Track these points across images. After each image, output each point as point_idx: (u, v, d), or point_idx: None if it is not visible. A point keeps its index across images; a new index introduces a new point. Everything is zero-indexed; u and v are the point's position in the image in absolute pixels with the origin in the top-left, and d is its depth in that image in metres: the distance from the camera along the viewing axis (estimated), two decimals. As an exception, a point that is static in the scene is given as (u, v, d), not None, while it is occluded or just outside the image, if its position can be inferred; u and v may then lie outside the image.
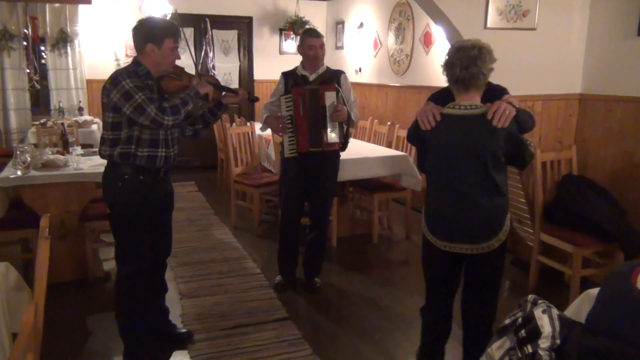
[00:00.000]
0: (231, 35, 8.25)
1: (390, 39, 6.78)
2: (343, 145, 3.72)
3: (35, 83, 7.25)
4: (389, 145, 5.56)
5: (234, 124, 6.35)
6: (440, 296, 2.66)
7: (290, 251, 4.00)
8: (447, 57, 2.39)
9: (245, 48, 8.43)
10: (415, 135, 2.52)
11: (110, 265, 4.39)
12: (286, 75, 3.75)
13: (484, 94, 2.45)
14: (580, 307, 1.94)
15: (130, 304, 2.89)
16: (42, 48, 7.31)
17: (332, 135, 3.60)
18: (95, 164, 4.11)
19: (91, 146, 5.16)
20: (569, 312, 1.94)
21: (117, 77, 2.61)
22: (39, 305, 1.90)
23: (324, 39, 3.73)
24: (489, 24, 3.91)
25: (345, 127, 3.65)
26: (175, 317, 3.40)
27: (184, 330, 3.28)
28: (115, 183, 2.77)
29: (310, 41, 3.62)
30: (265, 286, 4.01)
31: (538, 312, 1.56)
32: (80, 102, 7.29)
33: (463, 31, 3.87)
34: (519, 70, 3.93)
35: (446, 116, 2.38)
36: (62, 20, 7.11)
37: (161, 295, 3.22)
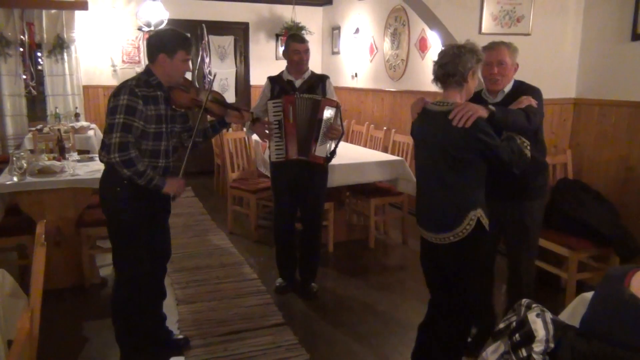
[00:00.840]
0: (227, 41, 8.27)
1: (386, 44, 6.81)
2: (327, 160, 3.71)
3: (32, 89, 7.24)
4: (385, 150, 5.57)
5: (230, 130, 6.35)
6: (433, 288, 2.75)
7: (288, 254, 4.03)
8: None
9: (242, 54, 8.45)
10: (412, 127, 2.70)
11: (106, 271, 4.38)
12: (272, 80, 3.78)
13: (511, 92, 2.74)
14: (576, 310, 1.95)
15: (129, 310, 2.89)
16: (39, 54, 7.30)
17: (320, 149, 3.62)
18: (91, 170, 4.11)
19: (87, 152, 5.17)
20: (563, 316, 1.95)
21: (121, 89, 2.67)
22: (35, 312, 1.90)
23: (309, 44, 3.77)
24: (483, 30, 3.94)
25: (335, 144, 3.67)
26: (171, 323, 3.39)
27: (180, 336, 3.28)
28: (114, 188, 2.78)
29: (294, 46, 3.66)
30: (262, 291, 4.01)
31: (532, 316, 1.57)
32: (76, 108, 7.28)
33: (458, 36, 3.88)
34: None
35: (425, 111, 2.54)
36: (59, 26, 7.11)
37: (159, 301, 3.22)
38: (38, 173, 3.90)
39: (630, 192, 3.88)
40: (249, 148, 5.74)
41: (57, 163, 4.09)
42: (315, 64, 8.48)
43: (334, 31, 8.27)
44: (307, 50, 3.69)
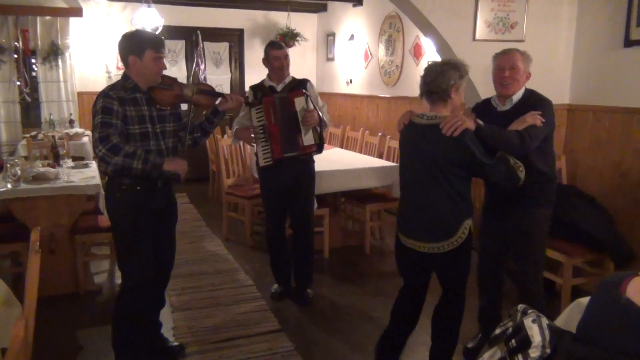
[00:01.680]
0: (222, 47, 8.28)
1: (381, 51, 6.83)
2: (318, 147, 3.76)
3: (26, 96, 7.22)
4: (380, 156, 5.58)
5: (225, 136, 6.36)
6: (408, 289, 2.86)
7: (282, 260, 4.03)
8: None
9: (237, 60, 8.46)
10: (400, 139, 2.75)
11: (102, 278, 4.37)
12: (254, 88, 3.82)
13: (521, 101, 2.81)
14: (571, 316, 1.95)
15: (130, 317, 2.88)
16: (33, 61, 7.30)
17: (308, 138, 3.66)
18: (86, 177, 4.10)
19: (82, 159, 5.14)
20: (559, 321, 1.96)
21: (98, 96, 2.71)
22: (29, 319, 1.88)
23: (287, 50, 3.84)
24: (477, 36, 3.96)
25: (318, 129, 3.71)
26: (166, 330, 3.38)
27: (175, 343, 3.26)
28: (114, 194, 2.80)
29: (274, 53, 3.72)
30: (257, 298, 4.00)
31: (528, 322, 1.57)
32: (71, 114, 7.26)
33: (452, 43, 3.91)
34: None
35: (412, 124, 2.60)
36: (53, 32, 7.11)
37: (158, 309, 3.20)
38: (32, 180, 3.88)
39: (624, 198, 3.90)
40: (244, 154, 5.74)
41: (52, 170, 4.08)
42: (310, 70, 8.51)
43: (329, 37, 8.29)
44: (286, 56, 3.76)
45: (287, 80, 3.79)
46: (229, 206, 5.57)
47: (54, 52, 7.12)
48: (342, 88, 7.96)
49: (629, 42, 3.82)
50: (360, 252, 5.06)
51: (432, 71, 2.52)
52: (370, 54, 7.13)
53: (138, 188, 2.77)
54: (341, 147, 6.39)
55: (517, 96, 2.87)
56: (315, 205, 4.17)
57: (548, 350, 1.51)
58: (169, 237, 3.07)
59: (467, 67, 2.58)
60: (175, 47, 7.87)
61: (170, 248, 3.09)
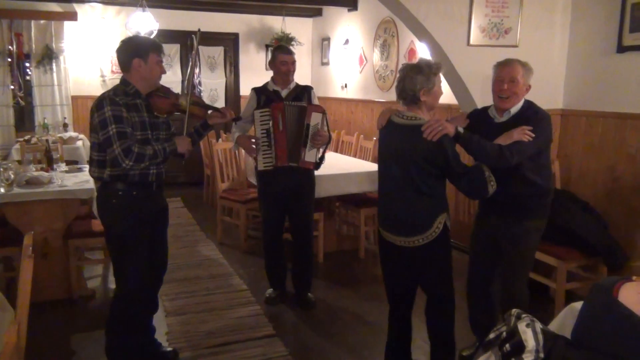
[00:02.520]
0: (217, 52, 8.28)
1: (376, 55, 6.85)
2: (317, 165, 3.76)
3: (20, 99, 7.19)
4: (375, 161, 5.57)
5: (219, 140, 6.35)
6: (391, 289, 2.90)
7: (277, 264, 4.03)
8: None
9: (232, 64, 8.46)
10: (379, 137, 2.83)
11: (95, 283, 4.35)
12: (258, 91, 3.81)
13: (519, 113, 2.78)
14: (565, 320, 1.96)
15: (124, 322, 2.87)
16: (27, 64, 7.27)
17: (310, 154, 3.67)
18: (79, 181, 4.09)
19: (76, 163, 5.13)
20: (553, 326, 1.96)
21: (102, 102, 2.68)
22: (22, 325, 1.87)
23: (295, 56, 3.82)
24: (471, 41, 3.97)
25: (321, 150, 3.72)
26: (160, 335, 3.36)
27: (169, 348, 3.24)
28: (110, 200, 2.78)
29: (282, 57, 3.72)
30: (252, 302, 3.99)
31: (522, 326, 1.57)
32: (65, 118, 7.24)
33: (446, 48, 3.92)
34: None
35: (390, 123, 2.67)
36: (48, 36, 7.09)
37: (151, 313, 3.19)
38: (25, 184, 3.86)
39: (618, 202, 3.92)
40: (239, 158, 5.73)
41: (45, 174, 4.06)
42: (304, 75, 8.51)
43: (324, 42, 8.31)
44: (294, 62, 3.76)
45: (291, 85, 3.78)
46: (223, 210, 5.56)
47: (49, 56, 7.11)
48: (337, 92, 7.97)
49: (622, 48, 3.85)
50: (354, 256, 5.06)
51: (400, 76, 2.62)
52: (365, 58, 7.15)
53: (134, 193, 2.77)
54: (336, 151, 6.39)
55: (516, 108, 2.81)
56: (311, 209, 4.17)
57: (542, 355, 1.51)
58: (162, 241, 3.07)
59: (437, 66, 2.60)
60: (170, 52, 7.87)
61: (163, 251, 3.09)
